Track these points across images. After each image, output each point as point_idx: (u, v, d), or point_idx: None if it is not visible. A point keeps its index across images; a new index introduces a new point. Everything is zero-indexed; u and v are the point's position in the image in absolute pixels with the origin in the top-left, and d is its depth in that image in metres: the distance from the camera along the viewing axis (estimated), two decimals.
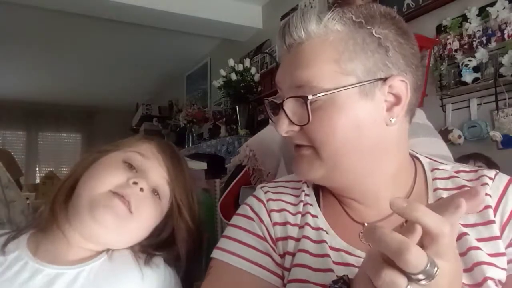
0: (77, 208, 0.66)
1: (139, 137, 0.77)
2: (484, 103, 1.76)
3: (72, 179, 0.71)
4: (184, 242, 0.73)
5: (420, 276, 0.35)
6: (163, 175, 0.72)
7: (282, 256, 0.60)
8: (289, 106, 0.57)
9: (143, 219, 0.69)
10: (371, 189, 0.60)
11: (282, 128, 0.57)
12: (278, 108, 0.59)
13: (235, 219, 0.66)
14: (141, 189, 0.68)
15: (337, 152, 0.55)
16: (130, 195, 0.66)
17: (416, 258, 0.34)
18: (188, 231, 0.74)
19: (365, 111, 0.55)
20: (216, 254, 0.62)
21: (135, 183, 0.67)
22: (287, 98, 0.57)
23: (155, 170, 0.71)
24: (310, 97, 0.53)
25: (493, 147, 1.70)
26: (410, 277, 0.35)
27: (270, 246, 0.61)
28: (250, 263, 0.59)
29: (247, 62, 2.92)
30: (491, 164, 1.52)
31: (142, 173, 0.70)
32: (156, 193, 0.71)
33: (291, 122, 0.57)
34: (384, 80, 0.55)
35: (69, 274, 0.65)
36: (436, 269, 0.35)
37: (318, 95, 0.53)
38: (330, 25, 0.55)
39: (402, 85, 0.55)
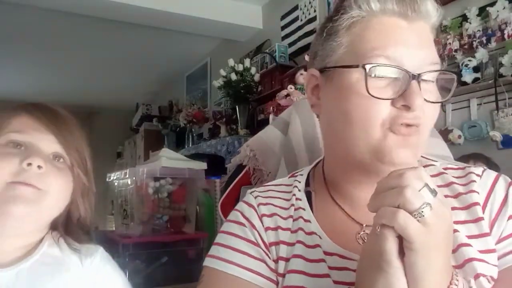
0: None
1: (6, 115, 0.70)
2: (484, 103, 1.76)
3: None
4: (81, 204, 0.73)
5: (425, 191, 0.41)
6: (52, 140, 0.69)
7: (276, 261, 0.59)
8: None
9: (57, 190, 0.67)
10: None
11: (421, 101, 0.53)
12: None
13: (226, 226, 0.65)
14: (39, 167, 0.65)
15: (427, 134, 0.57)
16: (31, 178, 0.64)
17: (416, 173, 0.42)
18: (83, 190, 0.73)
19: None
20: (208, 262, 0.61)
21: (29, 164, 0.64)
22: (443, 70, 0.57)
23: (42, 140, 0.68)
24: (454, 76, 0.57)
25: (493, 147, 1.70)
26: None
27: (264, 251, 0.60)
28: (244, 269, 0.58)
29: (247, 62, 2.92)
30: (491, 164, 1.52)
31: (31, 148, 0.66)
32: (57, 158, 0.69)
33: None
34: None
35: (5, 276, 0.64)
36: (434, 190, 0.42)
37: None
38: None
39: None
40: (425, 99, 0.53)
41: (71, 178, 0.71)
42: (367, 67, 0.53)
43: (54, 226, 0.74)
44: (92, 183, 0.77)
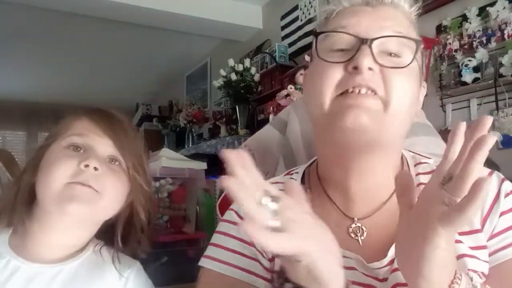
0: (44, 209, 0.68)
1: (70, 118, 0.75)
2: (484, 103, 1.75)
3: (27, 182, 0.71)
4: (140, 209, 0.74)
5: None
6: (109, 143, 0.71)
7: (271, 260, 0.59)
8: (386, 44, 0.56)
9: (112, 191, 0.70)
10: (377, 178, 0.59)
11: (369, 62, 0.53)
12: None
13: (221, 225, 0.65)
14: (95, 168, 0.67)
15: (401, 112, 0.55)
16: (88, 179, 0.67)
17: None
18: (143, 194, 0.75)
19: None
20: (203, 262, 0.62)
21: (86, 165, 0.67)
22: (400, 35, 0.56)
23: (99, 143, 0.71)
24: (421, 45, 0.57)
25: (493, 147, 1.68)
26: None
27: (258, 250, 0.60)
28: (238, 269, 0.58)
29: (247, 62, 2.92)
30: (491, 164, 1.52)
31: (89, 151, 0.70)
32: (113, 161, 0.72)
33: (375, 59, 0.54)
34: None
35: (48, 272, 0.67)
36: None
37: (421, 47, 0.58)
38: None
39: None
40: (380, 64, 0.53)
41: (126, 181, 0.72)
42: (319, 35, 0.58)
43: (108, 234, 0.75)
44: (151, 189, 0.78)
